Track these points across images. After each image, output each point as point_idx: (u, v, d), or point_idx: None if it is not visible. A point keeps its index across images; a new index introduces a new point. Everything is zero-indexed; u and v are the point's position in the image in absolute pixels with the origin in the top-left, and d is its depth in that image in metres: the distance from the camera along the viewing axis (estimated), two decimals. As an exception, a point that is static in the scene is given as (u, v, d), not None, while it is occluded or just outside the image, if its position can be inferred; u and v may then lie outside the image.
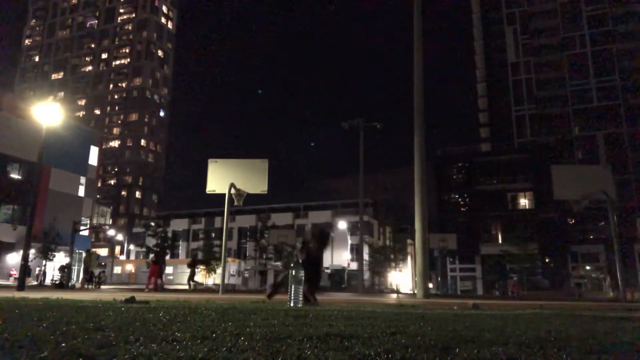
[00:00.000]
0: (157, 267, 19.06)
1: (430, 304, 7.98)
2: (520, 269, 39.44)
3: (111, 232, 61.59)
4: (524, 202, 50.35)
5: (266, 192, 14.52)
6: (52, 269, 34.35)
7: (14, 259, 36.12)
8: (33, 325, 2.50)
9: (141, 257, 58.16)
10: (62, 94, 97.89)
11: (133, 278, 56.84)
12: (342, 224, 52.76)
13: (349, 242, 55.75)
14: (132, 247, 72.33)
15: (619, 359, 1.82)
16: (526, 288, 37.53)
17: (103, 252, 68.34)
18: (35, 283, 27.82)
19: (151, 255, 29.47)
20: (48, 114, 14.99)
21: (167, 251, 39.56)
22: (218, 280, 28.10)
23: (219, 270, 31.67)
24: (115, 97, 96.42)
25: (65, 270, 25.69)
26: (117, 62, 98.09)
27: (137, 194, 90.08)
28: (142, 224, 62.93)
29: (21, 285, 13.27)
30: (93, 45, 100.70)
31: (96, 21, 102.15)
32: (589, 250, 48.79)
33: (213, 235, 46.34)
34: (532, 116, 61.10)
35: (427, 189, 14.57)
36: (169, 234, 47.68)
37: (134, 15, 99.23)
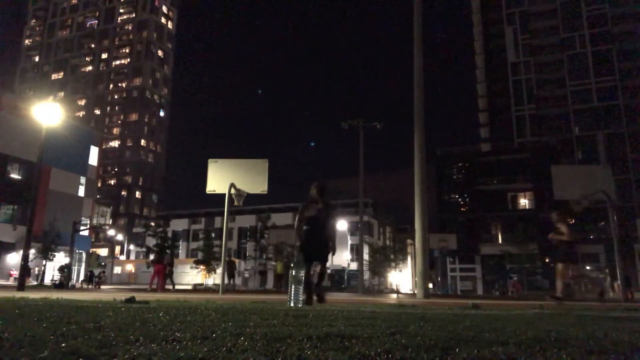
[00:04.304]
0: (162, 267, 18.94)
1: (430, 304, 7.98)
2: (520, 269, 39.44)
3: (111, 232, 61.58)
4: (524, 202, 50.36)
5: (266, 192, 14.50)
6: (52, 269, 34.35)
7: (14, 259, 36.11)
8: (33, 325, 2.50)
9: (141, 257, 58.12)
10: (62, 94, 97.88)
11: (133, 278, 56.85)
12: (342, 224, 52.72)
13: (349, 242, 55.72)
14: (132, 247, 72.35)
15: (619, 359, 1.82)
16: (526, 288, 37.52)
17: (103, 252, 68.34)
18: (35, 283, 27.81)
19: (152, 256, 29.42)
20: (48, 114, 14.98)
21: (167, 251, 39.48)
22: (218, 280, 28.10)
23: (219, 270, 31.67)
24: (115, 97, 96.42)
25: (65, 270, 25.66)
26: (117, 62, 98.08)
27: (137, 194, 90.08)
28: (142, 224, 62.95)
29: (21, 285, 13.27)
30: (93, 45, 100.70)
31: (96, 21, 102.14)
32: (589, 250, 48.79)
33: (213, 235, 46.26)
34: (532, 116, 61.11)
35: (427, 189, 14.56)
36: (169, 234, 47.67)
37: (134, 15, 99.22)
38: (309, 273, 6.42)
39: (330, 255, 6.66)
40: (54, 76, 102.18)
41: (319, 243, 6.49)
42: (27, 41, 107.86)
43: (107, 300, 5.79)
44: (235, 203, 14.43)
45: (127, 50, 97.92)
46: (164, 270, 18.87)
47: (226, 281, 20.74)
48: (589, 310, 5.74)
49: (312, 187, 6.90)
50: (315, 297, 6.32)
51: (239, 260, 55.94)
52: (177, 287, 21.86)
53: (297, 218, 6.81)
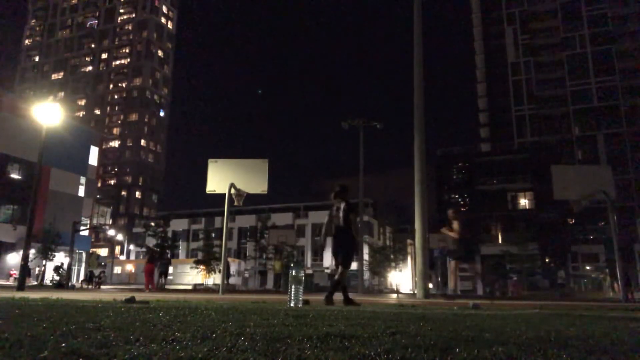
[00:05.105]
0: (152, 266, 19.01)
1: (430, 304, 7.99)
2: (520, 269, 39.43)
3: (111, 232, 61.59)
4: (524, 202, 50.35)
5: (266, 192, 14.50)
6: (52, 269, 34.39)
7: (14, 259, 36.11)
8: (33, 325, 2.50)
9: (141, 257, 58.11)
10: (62, 94, 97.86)
11: (133, 278, 56.83)
12: (342, 224, 52.64)
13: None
14: (132, 247, 72.34)
15: (619, 359, 1.82)
16: (526, 288, 37.51)
17: (103, 252, 68.33)
18: (35, 283, 27.81)
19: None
20: (48, 114, 14.98)
21: (167, 251, 39.41)
22: (218, 280, 28.09)
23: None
24: (115, 97, 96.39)
25: (61, 270, 25.62)
26: (117, 62, 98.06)
27: (137, 194, 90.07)
28: (142, 224, 62.94)
29: (21, 285, 13.27)
30: (93, 45, 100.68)
31: (96, 21, 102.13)
32: (589, 250, 48.79)
33: (213, 235, 46.25)
34: (532, 116, 61.11)
35: (427, 189, 14.56)
36: (169, 234, 47.65)
37: (134, 15, 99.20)
38: (343, 277, 6.78)
39: (348, 258, 6.81)
40: (54, 76, 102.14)
41: (339, 253, 6.77)
42: (27, 41, 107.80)
43: (107, 300, 5.79)
44: (235, 203, 14.43)
45: (127, 50, 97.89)
46: (154, 270, 19.08)
47: (226, 282, 20.82)
48: (588, 310, 5.74)
49: (332, 192, 7.09)
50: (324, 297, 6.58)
51: (239, 261, 55.96)
52: (173, 287, 21.83)
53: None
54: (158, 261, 21.32)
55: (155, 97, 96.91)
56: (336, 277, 6.74)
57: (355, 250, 6.86)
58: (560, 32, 62.00)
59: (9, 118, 37.22)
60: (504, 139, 60.31)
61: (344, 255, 6.70)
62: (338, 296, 6.84)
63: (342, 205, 6.81)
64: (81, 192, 45.22)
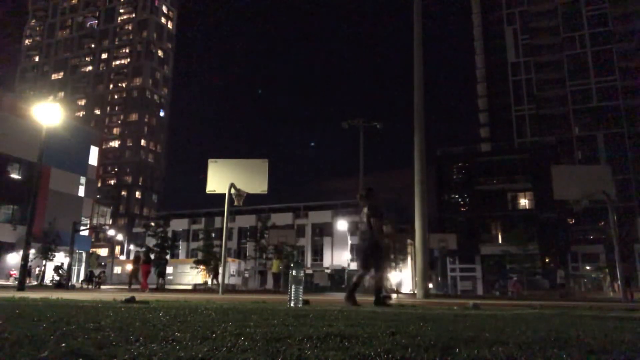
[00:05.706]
0: (148, 267, 19.10)
1: (430, 304, 7.99)
2: (520, 269, 39.41)
3: (111, 232, 61.57)
4: (524, 202, 50.34)
5: (266, 192, 14.52)
6: (52, 269, 34.38)
7: (14, 259, 36.10)
8: (33, 325, 2.50)
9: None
10: (62, 94, 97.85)
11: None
12: (342, 224, 52.78)
13: (349, 242, 55.73)
14: (132, 247, 72.33)
15: (619, 359, 1.82)
16: (526, 288, 37.48)
17: (103, 252, 68.33)
18: (35, 283, 27.81)
19: (152, 256, 29.37)
20: (48, 114, 14.98)
21: (167, 251, 39.41)
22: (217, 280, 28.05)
23: (220, 270, 31.62)
24: (115, 97, 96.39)
25: (61, 270, 25.62)
26: (117, 62, 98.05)
27: (137, 194, 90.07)
28: (142, 224, 62.91)
29: (21, 286, 13.27)
30: (93, 45, 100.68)
31: (96, 21, 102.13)
32: (589, 250, 48.80)
33: (213, 235, 46.27)
34: (532, 116, 61.11)
35: (427, 189, 14.57)
36: (169, 234, 47.66)
37: (134, 15, 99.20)
38: (359, 277, 6.94)
39: (373, 260, 6.86)
40: (54, 76, 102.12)
41: (365, 255, 6.91)
42: (27, 41, 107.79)
43: (107, 300, 5.79)
44: (235, 203, 14.45)
45: (127, 50, 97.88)
46: (149, 271, 19.24)
47: (215, 282, 20.89)
48: (588, 310, 5.74)
49: (358, 195, 7.20)
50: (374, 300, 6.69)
51: (239, 261, 56.02)
52: (172, 287, 21.88)
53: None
54: (156, 261, 21.40)
55: (155, 97, 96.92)
56: (375, 280, 6.94)
57: (377, 252, 6.78)
58: (560, 32, 62.00)
59: (9, 118, 37.20)
60: (504, 139, 60.29)
61: (368, 259, 6.81)
62: (339, 297, 6.91)
63: (365, 209, 6.84)
64: (81, 192, 45.20)
